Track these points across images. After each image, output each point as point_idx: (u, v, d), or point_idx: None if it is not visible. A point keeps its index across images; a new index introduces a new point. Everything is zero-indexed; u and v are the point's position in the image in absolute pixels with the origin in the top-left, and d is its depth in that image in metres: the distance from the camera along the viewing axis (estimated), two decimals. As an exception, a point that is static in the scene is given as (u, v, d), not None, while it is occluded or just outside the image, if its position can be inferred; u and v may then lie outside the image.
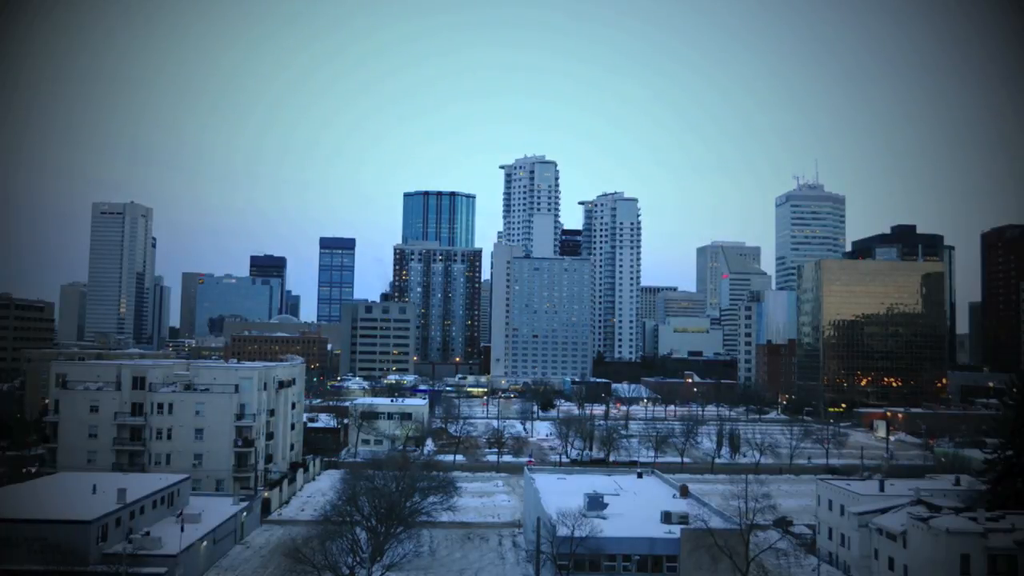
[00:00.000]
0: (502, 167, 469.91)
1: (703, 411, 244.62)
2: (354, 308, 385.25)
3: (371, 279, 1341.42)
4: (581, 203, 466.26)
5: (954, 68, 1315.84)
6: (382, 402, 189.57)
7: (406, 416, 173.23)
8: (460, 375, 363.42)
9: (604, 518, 74.80)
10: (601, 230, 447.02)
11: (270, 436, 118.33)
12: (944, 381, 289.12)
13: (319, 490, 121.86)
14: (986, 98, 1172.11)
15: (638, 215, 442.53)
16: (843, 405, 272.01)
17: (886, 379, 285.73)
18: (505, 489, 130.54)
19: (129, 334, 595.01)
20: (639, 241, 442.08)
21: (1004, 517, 70.31)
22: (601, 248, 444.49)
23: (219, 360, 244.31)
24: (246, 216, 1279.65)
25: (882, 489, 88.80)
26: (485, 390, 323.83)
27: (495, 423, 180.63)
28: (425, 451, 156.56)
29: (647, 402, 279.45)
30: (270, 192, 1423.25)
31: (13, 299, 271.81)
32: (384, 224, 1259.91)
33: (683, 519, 74.07)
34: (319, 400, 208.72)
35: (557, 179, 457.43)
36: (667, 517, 74.87)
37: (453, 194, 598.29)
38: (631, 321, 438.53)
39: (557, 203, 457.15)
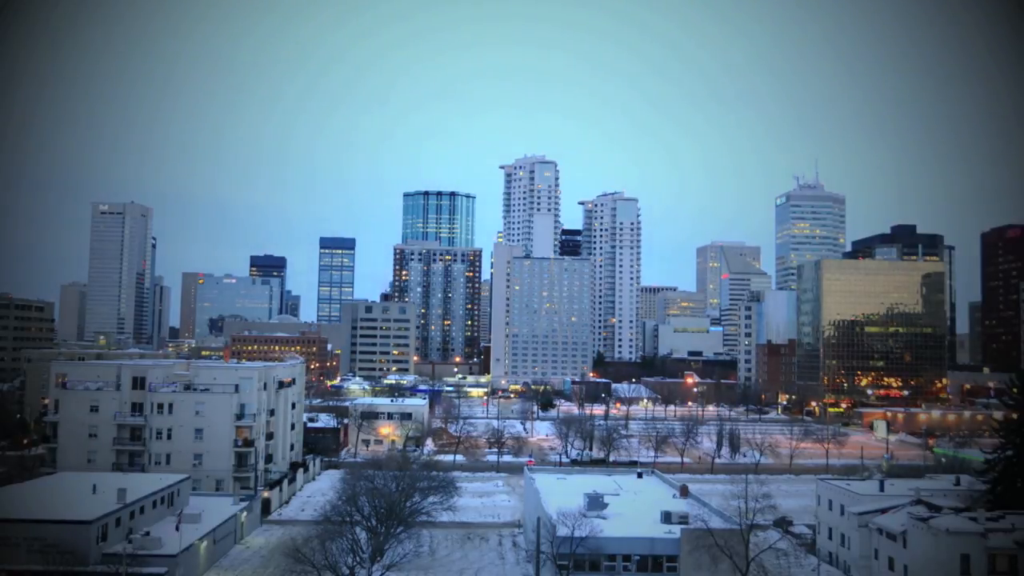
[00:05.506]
0: (502, 167, 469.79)
1: (703, 411, 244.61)
2: (354, 308, 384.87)
3: (371, 279, 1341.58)
4: (581, 203, 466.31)
5: (954, 68, 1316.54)
6: (382, 402, 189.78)
7: (406, 416, 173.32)
8: (460, 375, 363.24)
9: (604, 518, 74.78)
10: (601, 230, 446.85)
11: (270, 436, 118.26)
12: (944, 381, 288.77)
13: (319, 490, 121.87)
14: (986, 98, 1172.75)
15: (638, 215, 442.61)
16: (843, 405, 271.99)
17: (886, 379, 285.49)
18: (505, 489, 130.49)
19: (129, 334, 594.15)
20: (639, 241, 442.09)
21: (1004, 517, 70.29)
22: (601, 248, 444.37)
23: (219, 360, 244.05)
24: (246, 216, 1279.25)
25: (882, 489, 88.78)
26: (485, 390, 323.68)
27: (495, 423, 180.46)
28: (425, 451, 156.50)
29: (647, 402, 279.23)
30: (270, 192, 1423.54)
31: (13, 299, 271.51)
32: (384, 224, 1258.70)
33: (683, 519, 74.05)
34: (319, 400, 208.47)
35: (557, 179, 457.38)
36: (667, 517, 74.85)
37: (453, 194, 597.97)
38: (631, 321, 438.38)
39: (557, 203, 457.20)
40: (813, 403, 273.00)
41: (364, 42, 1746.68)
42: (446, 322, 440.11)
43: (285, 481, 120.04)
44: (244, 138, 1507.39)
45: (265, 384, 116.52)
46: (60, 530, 70.83)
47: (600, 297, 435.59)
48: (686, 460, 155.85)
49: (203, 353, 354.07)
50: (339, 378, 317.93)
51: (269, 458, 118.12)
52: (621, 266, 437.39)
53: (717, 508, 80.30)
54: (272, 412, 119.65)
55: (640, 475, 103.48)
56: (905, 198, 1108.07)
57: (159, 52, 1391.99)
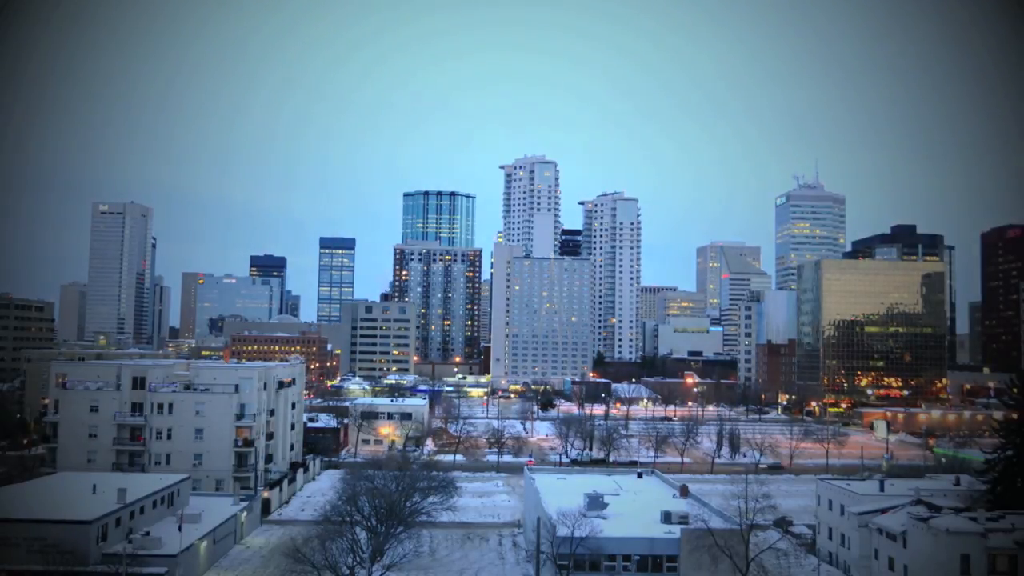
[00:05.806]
0: (502, 167, 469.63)
1: (703, 411, 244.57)
2: (354, 308, 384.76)
3: (371, 279, 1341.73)
4: (581, 203, 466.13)
5: (954, 68, 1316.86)
6: (382, 402, 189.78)
7: (406, 416, 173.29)
8: (460, 375, 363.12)
9: (604, 518, 74.76)
10: (601, 230, 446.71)
11: (270, 436, 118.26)
12: (944, 381, 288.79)
13: (319, 490, 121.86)
14: (986, 98, 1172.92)
15: (638, 215, 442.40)
16: (843, 405, 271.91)
17: (886, 379, 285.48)
18: (505, 489, 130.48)
19: (129, 334, 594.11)
20: (639, 241, 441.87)
21: (1004, 517, 70.27)
22: (601, 248, 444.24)
23: (219, 360, 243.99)
24: (246, 216, 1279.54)
25: (882, 489, 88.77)
26: (485, 390, 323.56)
27: (495, 423, 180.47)
28: (425, 451, 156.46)
29: (647, 402, 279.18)
30: (270, 192, 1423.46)
31: (13, 299, 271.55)
32: (384, 224, 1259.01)
33: (683, 519, 74.04)
34: (319, 400, 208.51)
35: (557, 179, 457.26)
36: (667, 517, 74.84)
37: (453, 194, 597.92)
38: (631, 321, 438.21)
39: (557, 203, 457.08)
40: (813, 403, 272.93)
41: (368, 46, 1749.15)
42: (446, 322, 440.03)
43: (285, 481, 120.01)
44: (245, 138, 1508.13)
45: (265, 384, 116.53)
46: (60, 530, 70.79)
47: (600, 297, 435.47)
48: (686, 460, 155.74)
49: (203, 353, 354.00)
50: (339, 378, 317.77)
51: (269, 458, 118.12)
52: (621, 266, 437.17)
53: (717, 508, 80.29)
54: (272, 412, 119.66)
55: (640, 475, 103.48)
56: (905, 198, 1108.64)
57: (161, 53, 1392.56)
